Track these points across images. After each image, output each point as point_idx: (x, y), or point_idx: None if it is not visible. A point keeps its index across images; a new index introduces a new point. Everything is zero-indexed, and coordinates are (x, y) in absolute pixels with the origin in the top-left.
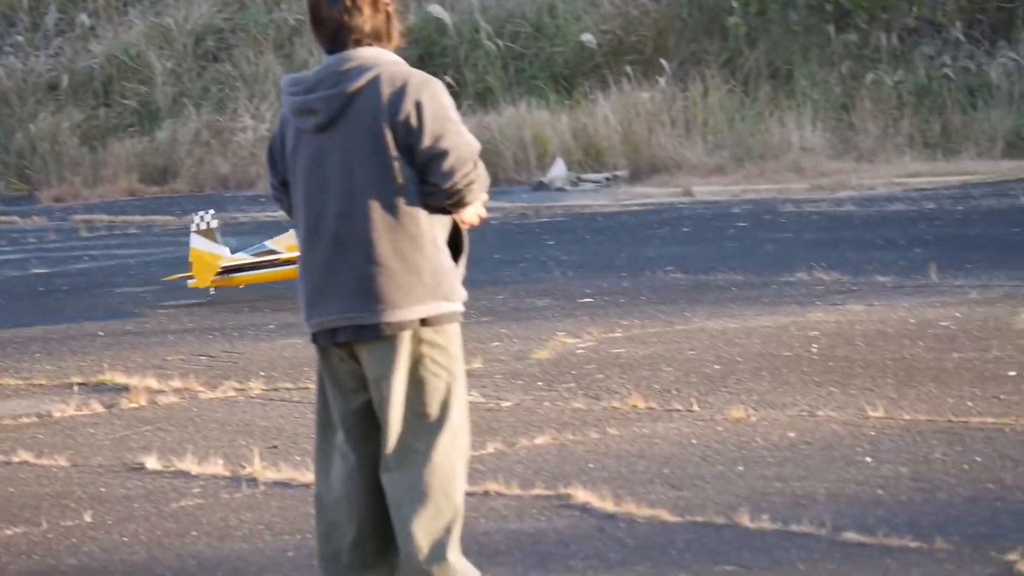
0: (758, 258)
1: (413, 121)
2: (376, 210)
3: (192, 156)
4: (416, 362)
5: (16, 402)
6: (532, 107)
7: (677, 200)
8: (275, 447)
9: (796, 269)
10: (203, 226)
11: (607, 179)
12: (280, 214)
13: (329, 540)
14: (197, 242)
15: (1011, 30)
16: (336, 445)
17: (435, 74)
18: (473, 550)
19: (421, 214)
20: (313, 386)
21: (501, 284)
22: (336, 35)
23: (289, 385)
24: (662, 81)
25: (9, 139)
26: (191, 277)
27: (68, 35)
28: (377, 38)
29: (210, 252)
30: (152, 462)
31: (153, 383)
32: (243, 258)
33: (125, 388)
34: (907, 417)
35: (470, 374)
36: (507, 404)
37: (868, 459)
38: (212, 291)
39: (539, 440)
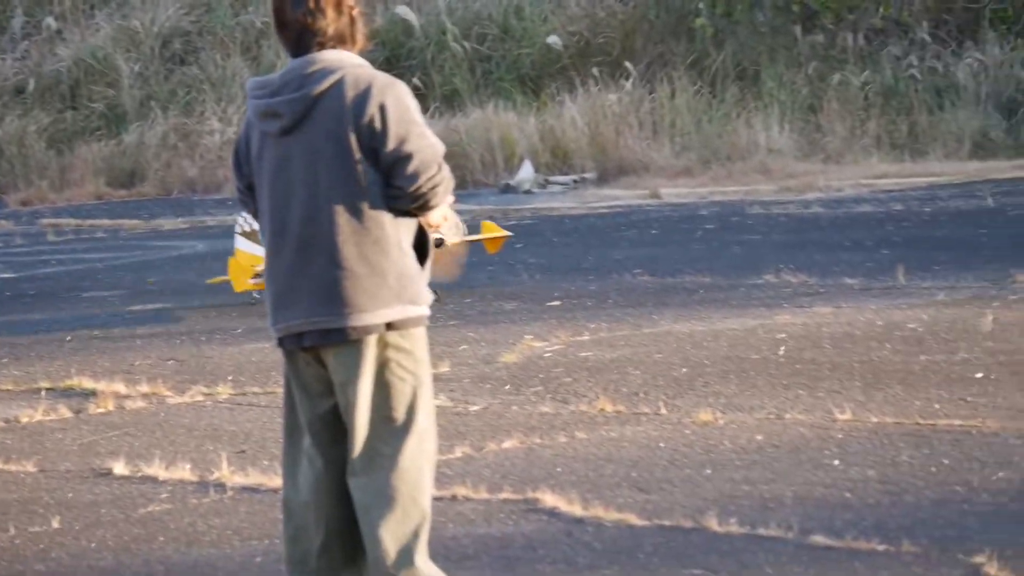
0: (726, 260)
1: (377, 124)
2: (341, 214)
3: (159, 159)
4: (382, 366)
5: None
6: (499, 109)
7: (645, 202)
8: (243, 452)
9: (764, 271)
10: (247, 227)
11: (575, 181)
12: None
13: (297, 544)
14: (242, 244)
15: (978, 31)
16: (303, 449)
17: (402, 76)
18: (441, 554)
19: (386, 217)
20: (281, 390)
21: (468, 287)
22: (300, 38)
23: (257, 389)
24: (629, 83)
25: None
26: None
27: (35, 38)
28: (341, 41)
29: (252, 255)
30: (120, 467)
31: (121, 388)
32: None
33: (93, 393)
34: (874, 420)
35: (438, 378)
36: (475, 408)
37: (836, 462)
38: (256, 295)
39: (507, 444)
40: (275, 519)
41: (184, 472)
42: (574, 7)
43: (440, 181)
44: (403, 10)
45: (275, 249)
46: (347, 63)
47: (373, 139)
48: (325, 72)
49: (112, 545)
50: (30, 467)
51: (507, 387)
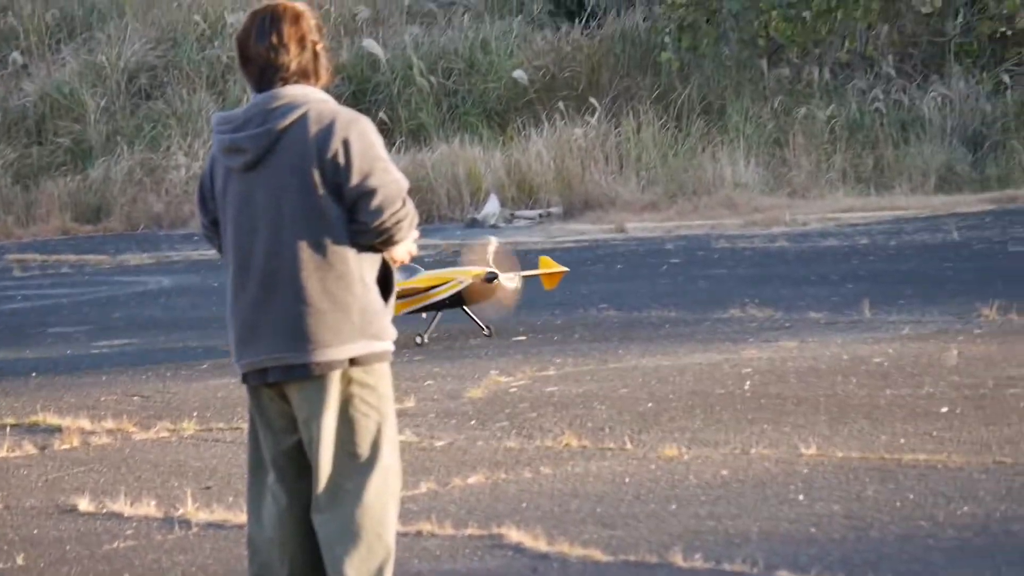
0: (691, 295)
1: (341, 159)
2: (304, 249)
3: (125, 194)
4: (346, 402)
5: None
6: (465, 143)
7: (610, 236)
8: (208, 488)
9: (729, 306)
10: None
11: (541, 216)
12: (214, 253)
13: None
14: None
15: (943, 65)
16: (268, 485)
17: (368, 111)
18: None
19: (350, 253)
20: (246, 426)
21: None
22: (263, 73)
23: (222, 425)
24: (595, 117)
25: None
26: None
27: (0, 73)
28: (305, 76)
29: None
30: (85, 504)
31: (86, 424)
32: None
33: (58, 429)
34: (840, 454)
35: (403, 413)
36: (440, 443)
37: (801, 497)
38: None
39: (472, 479)
40: (240, 555)
41: (149, 508)
42: (540, 42)
43: (404, 216)
44: (369, 44)
45: (239, 285)
46: (311, 98)
47: (337, 174)
48: (289, 107)
49: None
50: None
51: (472, 422)
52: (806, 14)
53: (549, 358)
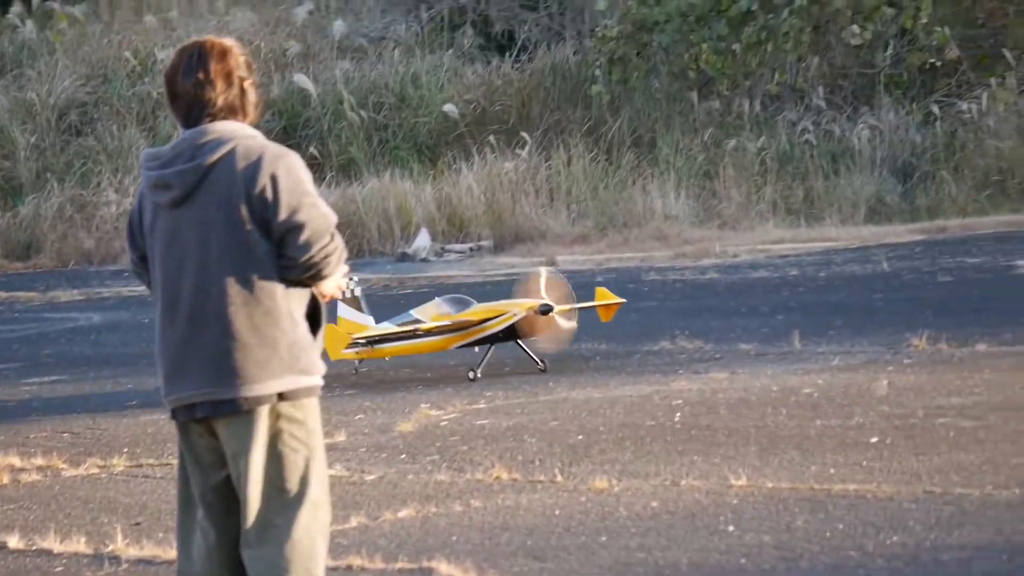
0: (622, 327)
1: (268, 194)
2: (232, 285)
3: (56, 231)
4: (274, 437)
5: None
6: (396, 178)
7: None
8: (138, 524)
9: (660, 338)
10: (348, 295)
11: (471, 249)
12: (144, 289)
13: None
14: (343, 312)
15: (872, 96)
16: (197, 521)
17: (299, 146)
18: None
19: (278, 288)
20: (176, 462)
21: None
22: (191, 109)
23: (152, 461)
24: (525, 151)
25: None
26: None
27: None
28: (232, 112)
29: (353, 322)
30: (14, 541)
31: (16, 461)
32: (388, 328)
33: None
34: (770, 485)
35: (334, 448)
36: (371, 477)
37: (731, 528)
38: (359, 363)
39: (402, 513)
40: None
41: (79, 545)
42: (470, 75)
43: (332, 251)
44: (300, 79)
45: (167, 320)
46: (239, 134)
47: (265, 209)
48: (216, 143)
49: None
50: None
51: (403, 456)
52: (736, 47)
53: (480, 391)
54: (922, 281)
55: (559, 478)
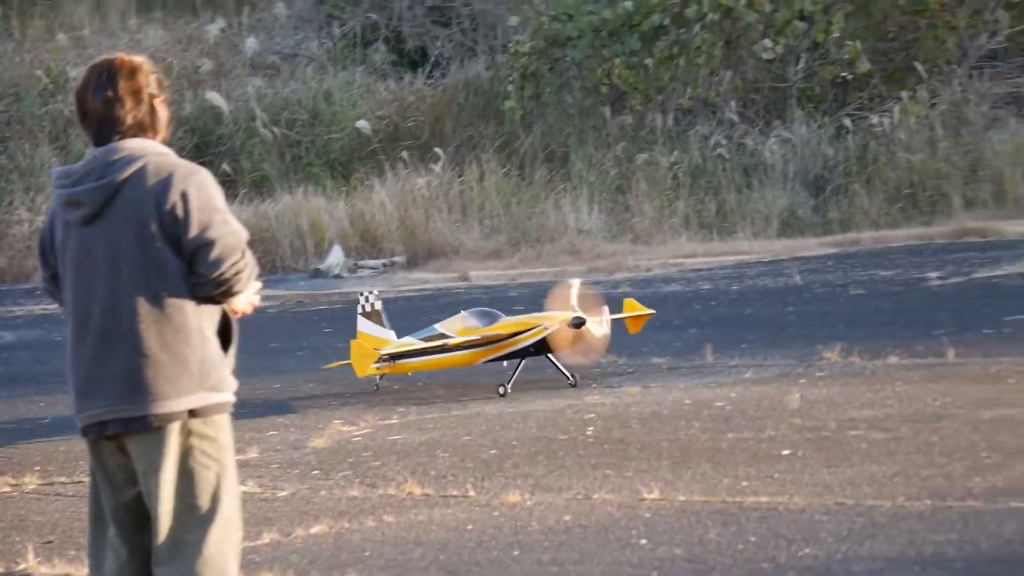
0: None
1: (179, 211)
2: (142, 302)
3: None
4: (185, 454)
5: None
6: (309, 194)
7: (454, 285)
8: (50, 542)
9: None
10: (368, 308)
11: (384, 265)
12: (57, 307)
13: None
14: (363, 326)
15: (785, 110)
16: (109, 539)
17: (211, 163)
18: None
19: (188, 305)
20: (88, 480)
21: (278, 373)
22: (101, 127)
23: (64, 479)
24: (438, 166)
25: None
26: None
27: None
28: (142, 129)
29: (374, 337)
30: None
31: None
32: (411, 343)
33: None
34: (682, 498)
35: (246, 464)
36: (283, 493)
37: (643, 541)
38: (379, 379)
39: (315, 529)
40: None
41: None
42: (383, 92)
43: (243, 267)
44: (213, 96)
45: (79, 338)
46: (149, 151)
47: (176, 226)
48: (127, 160)
49: None
50: None
51: (316, 472)
52: (648, 61)
53: (392, 406)
54: (834, 294)
55: (472, 493)
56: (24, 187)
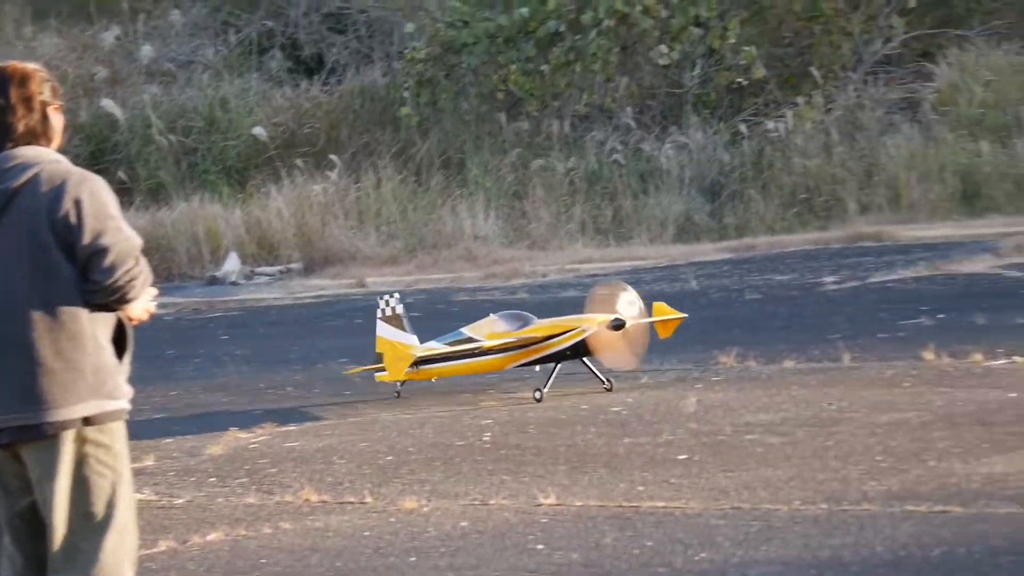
0: None
1: (72, 219)
2: (36, 309)
3: None
4: (80, 461)
5: None
6: (205, 201)
7: (351, 291)
8: None
9: None
10: (388, 312)
11: (281, 272)
12: None
13: None
14: (384, 330)
15: (680, 115)
16: (4, 547)
17: (107, 170)
18: None
19: (82, 312)
20: None
21: (174, 380)
22: None
23: None
24: (334, 173)
25: None
26: (380, 369)
27: None
28: (35, 137)
29: (399, 342)
30: None
31: None
32: (436, 348)
33: None
34: (579, 503)
35: (143, 472)
36: (180, 501)
37: (540, 546)
38: (400, 385)
39: (212, 536)
40: None
41: None
42: (279, 99)
43: (137, 275)
44: (108, 104)
45: None
46: (44, 158)
47: (69, 233)
48: (21, 168)
49: None
50: None
51: (212, 479)
52: (544, 68)
53: (289, 413)
54: (730, 299)
55: (368, 499)
56: None
